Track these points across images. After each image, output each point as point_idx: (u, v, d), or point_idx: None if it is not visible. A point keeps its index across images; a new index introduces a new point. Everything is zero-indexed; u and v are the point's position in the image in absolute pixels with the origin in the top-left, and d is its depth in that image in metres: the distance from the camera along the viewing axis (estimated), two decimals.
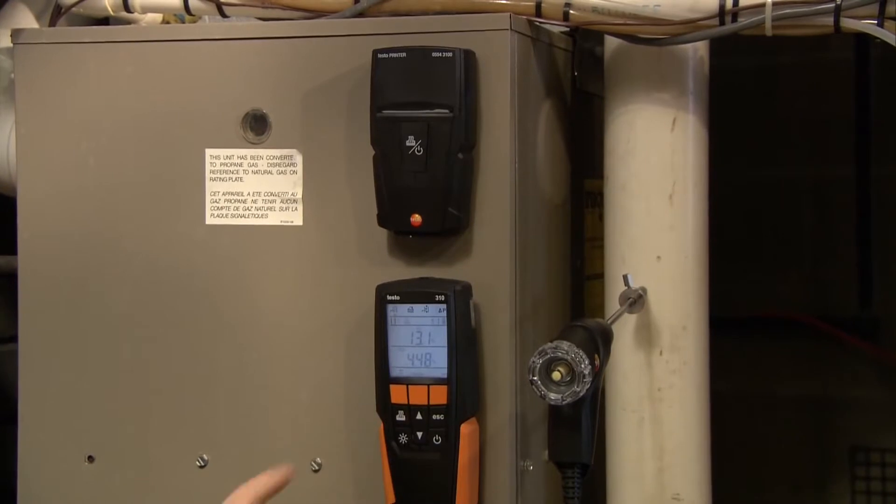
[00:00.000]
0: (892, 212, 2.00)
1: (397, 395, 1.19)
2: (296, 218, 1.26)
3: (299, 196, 1.26)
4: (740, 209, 1.99)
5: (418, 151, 1.19)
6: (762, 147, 2.04)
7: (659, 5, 1.22)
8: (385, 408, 1.19)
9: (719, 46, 1.31)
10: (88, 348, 1.31)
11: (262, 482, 1.03)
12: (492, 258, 1.22)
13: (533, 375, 1.10)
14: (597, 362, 1.12)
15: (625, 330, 1.30)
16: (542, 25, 1.29)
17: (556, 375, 1.09)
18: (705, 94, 1.32)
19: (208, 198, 1.28)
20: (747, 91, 2.02)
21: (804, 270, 2.04)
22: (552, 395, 1.10)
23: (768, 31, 1.21)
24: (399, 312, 1.19)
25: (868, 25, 1.18)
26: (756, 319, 2.03)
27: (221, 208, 1.28)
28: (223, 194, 1.28)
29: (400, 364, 1.19)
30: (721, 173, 1.37)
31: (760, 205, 2.05)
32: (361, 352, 1.22)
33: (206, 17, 1.39)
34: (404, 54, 1.19)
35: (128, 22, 1.41)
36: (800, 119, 2.04)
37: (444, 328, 1.18)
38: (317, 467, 1.26)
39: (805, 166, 2.05)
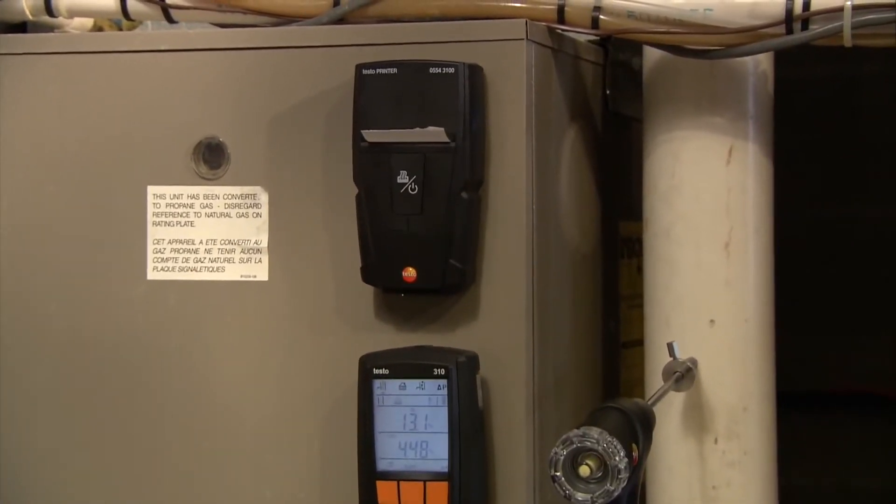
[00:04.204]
0: None
1: (385, 494, 1.19)
2: (259, 272, 1.27)
3: (264, 244, 1.27)
4: (812, 258, 1.98)
5: (412, 189, 1.19)
6: (839, 179, 2.03)
7: (711, 9, 1.23)
8: None
9: (786, 54, 1.31)
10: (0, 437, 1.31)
11: None
12: (504, 322, 1.22)
13: (555, 471, 1.09)
14: (635, 454, 1.12)
15: (671, 412, 1.30)
16: (566, 34, 1.30)
17: (584, 471, 1.09)
18: (769, 117, 1.33)
19: (150, 247, 1.29)
20: (820, 108, 2.02)
21: (893, 334, 2.04)
22: (579, 496, 1.09)
23: (847, 42, 1.21)
24: (388, 390, 1.19)
25: None
26: (833, 396, 2.03)
27: (167, 260, 1.28)
28: (169, 242, 1.28)
29: (389, 455, 1.19)
30: (787, 213, 1.38)
31: (837, 251, 2.04)
32: (341, 439, 1.23)
33: (149, 24, 1.40)
34: (395, 70, 1.20)
35: (51, 28, 1.42)
36: (887, 143, 2.04)
37: (445, 409, 1.18)
38: None
39: (892, 203, 2.05)
